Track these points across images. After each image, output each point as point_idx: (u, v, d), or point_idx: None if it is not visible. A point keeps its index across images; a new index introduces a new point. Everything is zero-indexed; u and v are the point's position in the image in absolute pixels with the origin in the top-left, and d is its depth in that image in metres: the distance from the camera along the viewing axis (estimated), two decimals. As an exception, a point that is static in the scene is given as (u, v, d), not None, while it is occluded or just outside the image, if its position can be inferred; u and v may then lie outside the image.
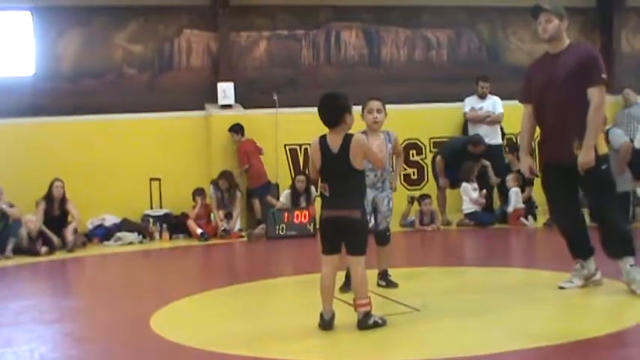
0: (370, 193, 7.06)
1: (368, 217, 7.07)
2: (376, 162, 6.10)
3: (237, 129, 12.86)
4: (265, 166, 13.01)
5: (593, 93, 6.37)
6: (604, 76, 6.43)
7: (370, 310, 5.69)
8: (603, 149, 6.58)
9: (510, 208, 11.88)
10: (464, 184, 12.33)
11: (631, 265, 6.49)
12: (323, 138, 5.78)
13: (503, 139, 13.23)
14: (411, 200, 12.57)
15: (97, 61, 13.19)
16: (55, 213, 11.72)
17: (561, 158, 6.52)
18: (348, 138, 5.70)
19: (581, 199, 6.91)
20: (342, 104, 5.76)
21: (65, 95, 12.86)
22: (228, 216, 12.45)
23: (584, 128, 6.36)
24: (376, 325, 5.66)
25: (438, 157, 12.79)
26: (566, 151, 6.43)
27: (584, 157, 6.33)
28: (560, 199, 6.76)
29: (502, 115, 13.03)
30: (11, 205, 11.46)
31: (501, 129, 13.24)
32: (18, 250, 11.19)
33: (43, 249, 11.06)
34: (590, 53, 6.63)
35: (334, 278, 5.83)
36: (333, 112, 5.73)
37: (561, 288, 6.77)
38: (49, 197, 11.73)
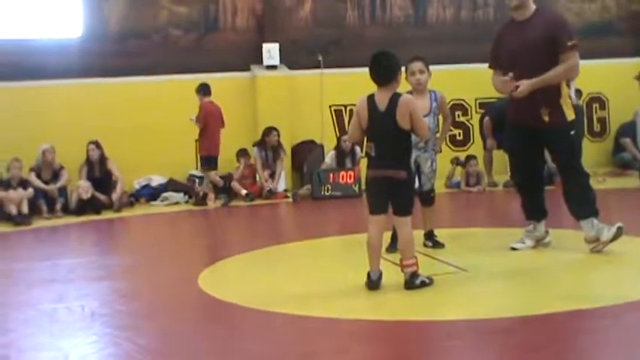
0: (413, 153, 7.02)
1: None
2: (420, 130, 5.77)
3: (201, 89, 11.99)
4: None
5: (567, 57, 6.50)
6: (572, 42, 6.51)
7: (417, 270, 5.68)
8: (571, 115, 6.66)
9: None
10: None
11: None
12: (371, 96, 5.74)
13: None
14: (456, 162, 12.48)
15: (143, 23, 13.26)
16: (97, 174, 11.87)
17: (530, 123, 6.62)
18: (395, 97, 5.65)
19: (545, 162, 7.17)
20: (393, 62, 5.72)
21: (112, 56, 12.95)
22: (273, 176, 12.48)
23: (552, 96, 6.53)
24: (423, 284, 5.66)
25: (486, 118, 12.63)
26: (535, 117, 6.56)
27: (522, 86, 6.39)
28: (523, 160, 6.90)
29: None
30: (62, 167, 11.66)
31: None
32: (66, 210, 11.39)
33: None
34: (556, 20, 6.72)
35: (381, 238, 5.83)
36: (385, 70, 5.69)
37: (513, 249, 6.89)
38: (88, 160, 11.89)
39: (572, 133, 6.69)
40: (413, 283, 5.63)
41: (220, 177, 12.71)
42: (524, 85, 6.41)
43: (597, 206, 6.68)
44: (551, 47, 6.48)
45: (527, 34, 6.55)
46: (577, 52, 6.56)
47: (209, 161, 12.04)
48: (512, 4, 6.68)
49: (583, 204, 6.66)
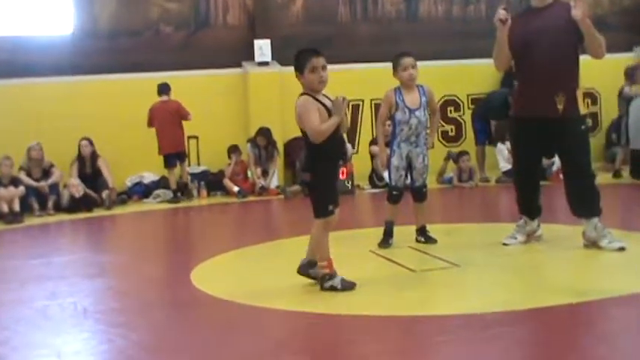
0: (404, 148, 7.09)
1: (402, 174, 7.09)
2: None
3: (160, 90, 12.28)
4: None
5: None
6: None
7: (329, 272, 5.64)
8: (584, 109, 6.65)
9: (555, 167, 11.56)
10: (499, 145, 12.23)
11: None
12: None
13: None
14: (448, 157, 12.49)
15: (134, 20, 13.22)
16: (88, 171, 11.86)
17: (542, 113, 6.51)
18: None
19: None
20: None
21: (103, 54, 12.91)
22: (265, 173, 12.47)
23: (569, 83, 6.51)
24: (333, 289, 5.57)
25: (496, 123, 12.52)
26: (549, 105, 6.46)
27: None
28: (527, 155, 6.82)
29: None
30: (52, 165, 11.62)
31: None
32: (58, 208, 11.36)
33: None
34: None
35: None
36: None
37: (505, 244, 6.86)
38: (80, 157, 11.87)
39: (582, 127, 6.61)
40: (322, 284, 5.62)
41: (213, 174, 12.71)
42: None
43: (601, 205, 6.58)
44: (572, 35, 6.41)
45: (548, 20, 6.49)
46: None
47: (165, 160, 12.20)
48: None
49: (586, 204, 6.56)
